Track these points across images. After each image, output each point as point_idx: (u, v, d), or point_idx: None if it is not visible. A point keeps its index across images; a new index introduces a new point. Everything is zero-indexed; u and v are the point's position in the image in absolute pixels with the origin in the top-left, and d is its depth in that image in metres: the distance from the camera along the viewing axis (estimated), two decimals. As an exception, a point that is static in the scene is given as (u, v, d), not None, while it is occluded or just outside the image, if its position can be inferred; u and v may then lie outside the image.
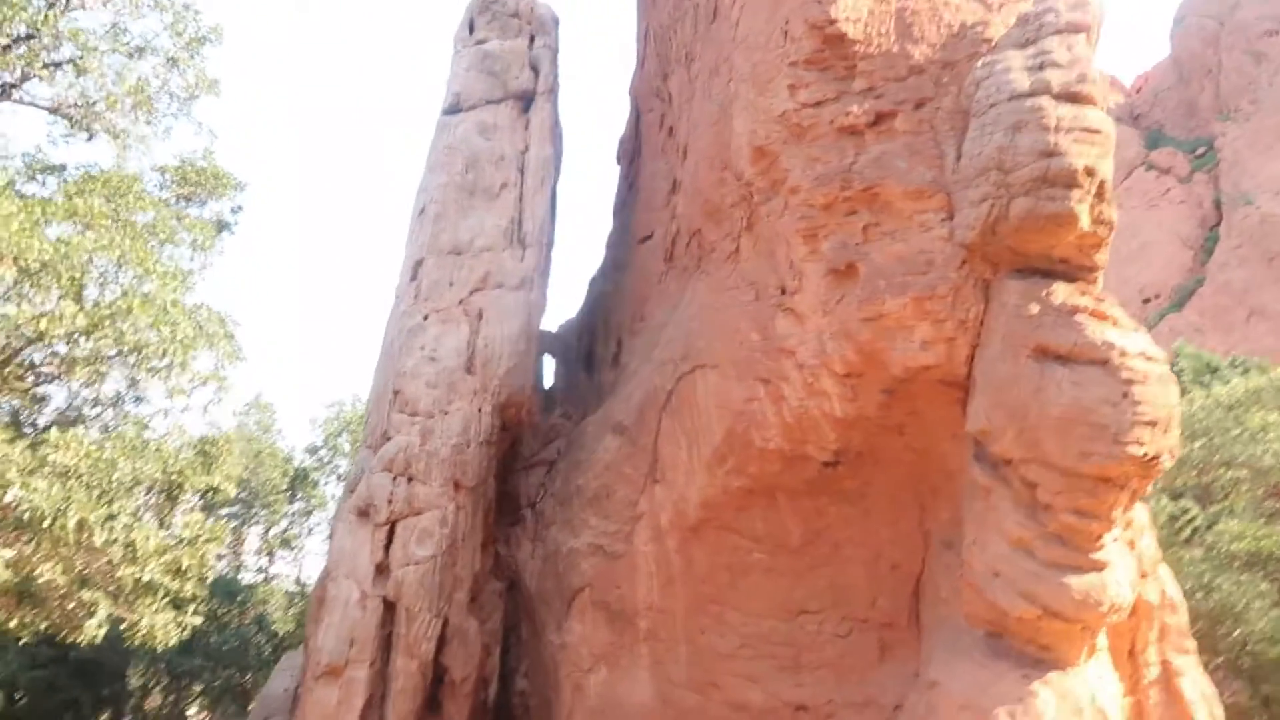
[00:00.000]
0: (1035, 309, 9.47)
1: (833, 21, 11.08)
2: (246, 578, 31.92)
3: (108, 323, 10.11)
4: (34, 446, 9.69)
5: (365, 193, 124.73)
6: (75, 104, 13.39)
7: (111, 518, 9.69)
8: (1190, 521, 21.41)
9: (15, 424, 12.27)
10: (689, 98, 15.85)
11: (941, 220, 10.39)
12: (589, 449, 15.37)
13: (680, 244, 15.44)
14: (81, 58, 13.07)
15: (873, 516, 12.33)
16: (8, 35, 12.32)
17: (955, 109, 10.69)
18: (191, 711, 30.27)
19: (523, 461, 17.02)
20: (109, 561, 10.01)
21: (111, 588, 10.38)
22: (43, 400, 12.83)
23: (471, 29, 20.69)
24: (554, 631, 14.72)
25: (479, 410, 15.78)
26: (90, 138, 13.86)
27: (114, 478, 9.85)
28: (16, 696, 23.06)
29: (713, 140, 13.63)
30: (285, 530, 33.37)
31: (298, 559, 34.02)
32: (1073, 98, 9.69)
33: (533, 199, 18.39)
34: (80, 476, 9.56)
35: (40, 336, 10.00)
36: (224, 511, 28.85)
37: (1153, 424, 8.71)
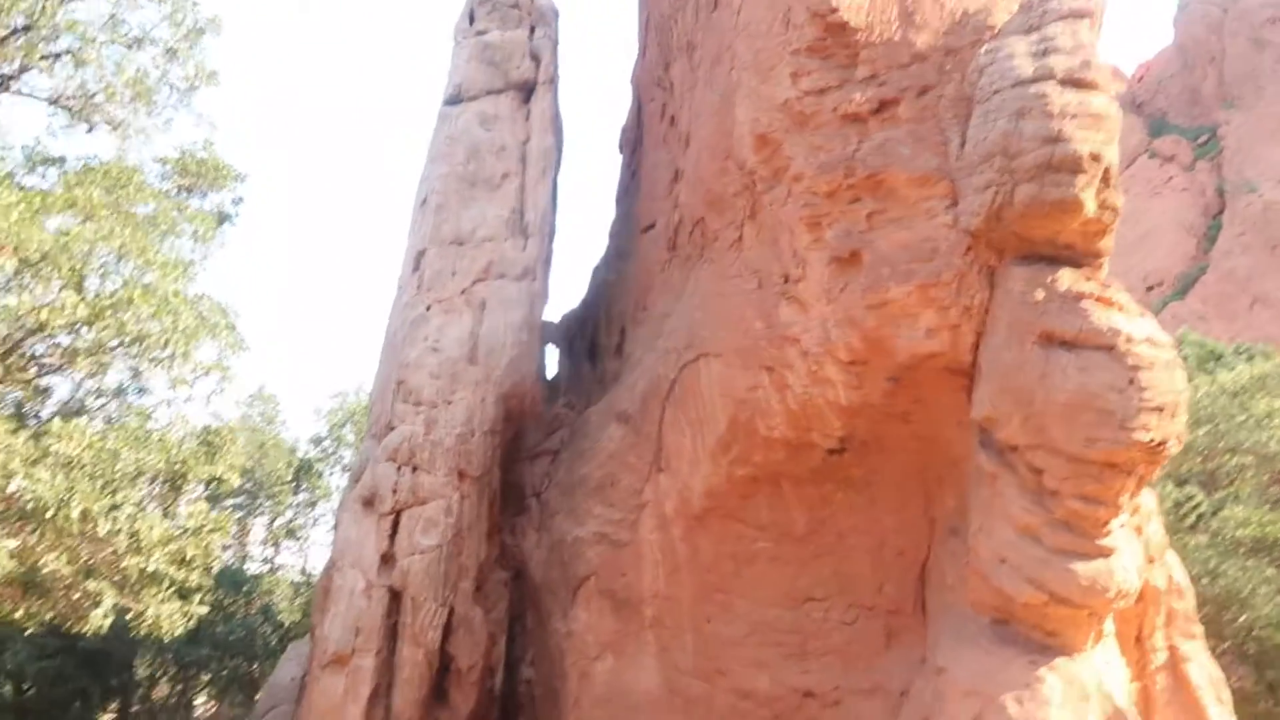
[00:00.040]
0: (1040, 295, 9.44)
1: (835, 9, 11.02)
2: (252, 568, 32.01)
3: (109, 313, 10.11)
4: (37, 437, 9.70)
5: (367, 184, 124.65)
6: (74, 95, 13.35)
7: (115, 508, 9.71)
8: (1195, 508, 21.43)
9: (19, 416, 12.28)
10: (691, 86, 15.79)
11: (946, 207, 10.34)
12: (593, 438, 15.38)
13: (683, 233, 15.40)
14: (80, 49, 13.03)
15: (878, 504, 12.33)
16: (5, 26, 12.29)
17: (959, 96, 10.63)
18: (199, 701, 30.42)
19: (527, 451, 17.03)
20: (114, 552, 10.03)
21: (116, 578, 10.41)
22: (46, 392, 12.84)
23: (472, 20, 20.62)
24: (560, 620, 14.76)
25: (482, 400, 15.79)
26: (90, 129, 13.83)
27: (117, 468, 9.86)
28: (25, 687, 23.18)
29: (715, 129, 13.58)
30: (290, 521, 33.44)
31: (303, 549, 34.12)
32: (1077, 83, 9.63)
33: (534, 189, 18.36)
34: (83, 467, 9.57)
35: (42, 327, 10.00)
36: (229, 502, 28.90)
37: (1159, 409, 8.69)
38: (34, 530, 9.42)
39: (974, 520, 10.07)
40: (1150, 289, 52.51)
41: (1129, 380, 8.72)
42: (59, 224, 10.58)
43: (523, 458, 17.09)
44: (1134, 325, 9.08)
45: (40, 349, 11.05)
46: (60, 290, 10.01)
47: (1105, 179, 9.39)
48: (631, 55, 21.00)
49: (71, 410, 12.72)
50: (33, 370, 11.35)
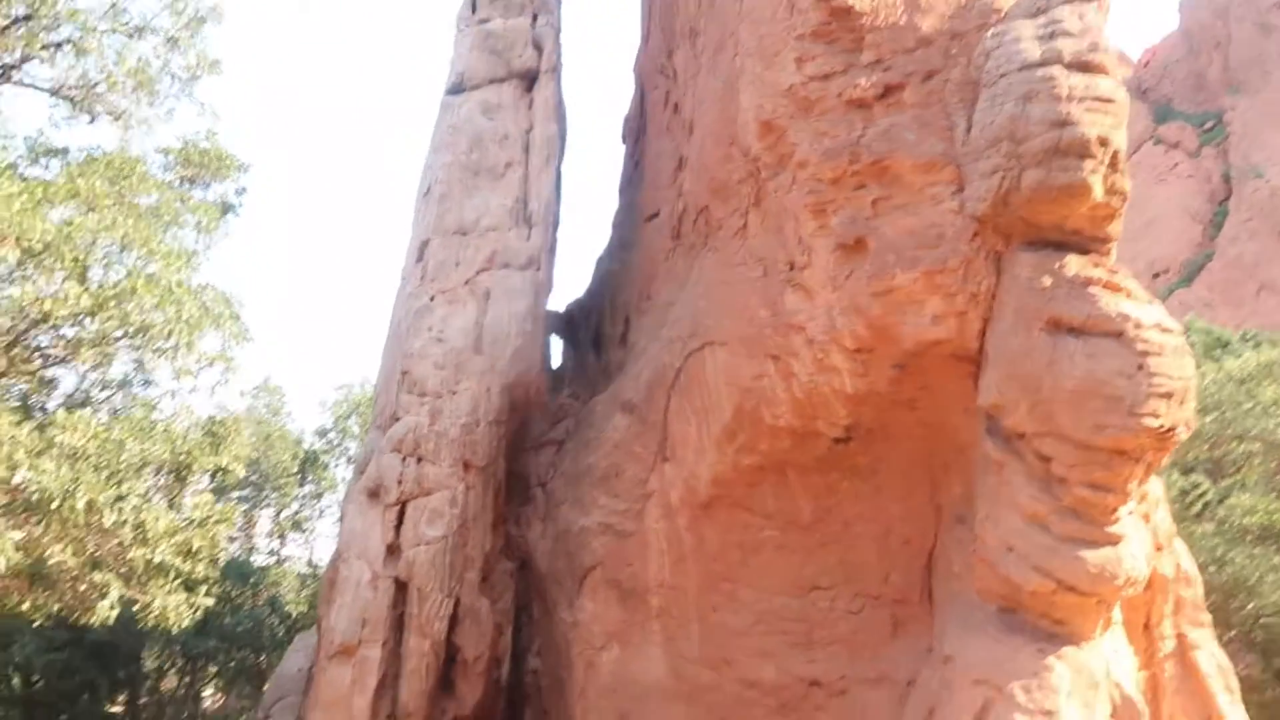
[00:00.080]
0: (1048, 281, 9.37)
1: (840, -7, 10.93)
2: (258, 560, 32.10)
3: (112, 303, 10.09)
4: (41, 428, 9.70)
5: (370, 176, 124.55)
6: (76, 85, 13.31)
7: (121, 499, 9.71)
8: (1201, 496, 21.39)
9: (25, 408, 12.28)
10: (694, 74, 15.71)
11: (952, 193, 10.26)
12: (598, 428, 15.36)
13: (687, 221, 15.34)
14: (81, 38, 12.98)
15: (884, 492, 12.29)
16: (6, 16, 12.25)
17: (965, 80, 10.54)
18: (207, 693, 30.55)
19: (532, 441, 17.01)
20: (120, 543, 10.03)
21: (123, 569, 10.42)
22: (51, 383, 12.84)
23: (474, 8, 20.53)
24: (566, 610, 14.75)
25: (487, 390, 15.76)
26: (92, 120, 13.79)
27: (122, 459, 9.85)
28: (34, 680, 23.29)
29: (719, 116, 13.50)
30: (296, 513, 33.51)
31: (309, 541, 34.20)
32: (1085, 67, 9.55)
33: (538, 178, 18.29)
34: (88, 458, 9.56)
35: (45, 318, 9.98)
36: (235, 494, 28.97)
37: (1168, 396, 8.63)
38: (39, 522, 9.42)
39: (981, 508, 10.02)
40: (1156, 276, 52.33)
41: (1138, 366, 8.67)
42: (62, 214, 10.56)
43: (528, 448, 17.07)
44: (1142, 311, 9.02)
45: (44, 341, 11.05)
46: (64, 281, 9.99)
47: (1113, 163, 9.32)
48: (634, 43, 20.91)
49: (76, 402, 12.72)
50: (37, 362, 11.35)
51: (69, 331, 10.85)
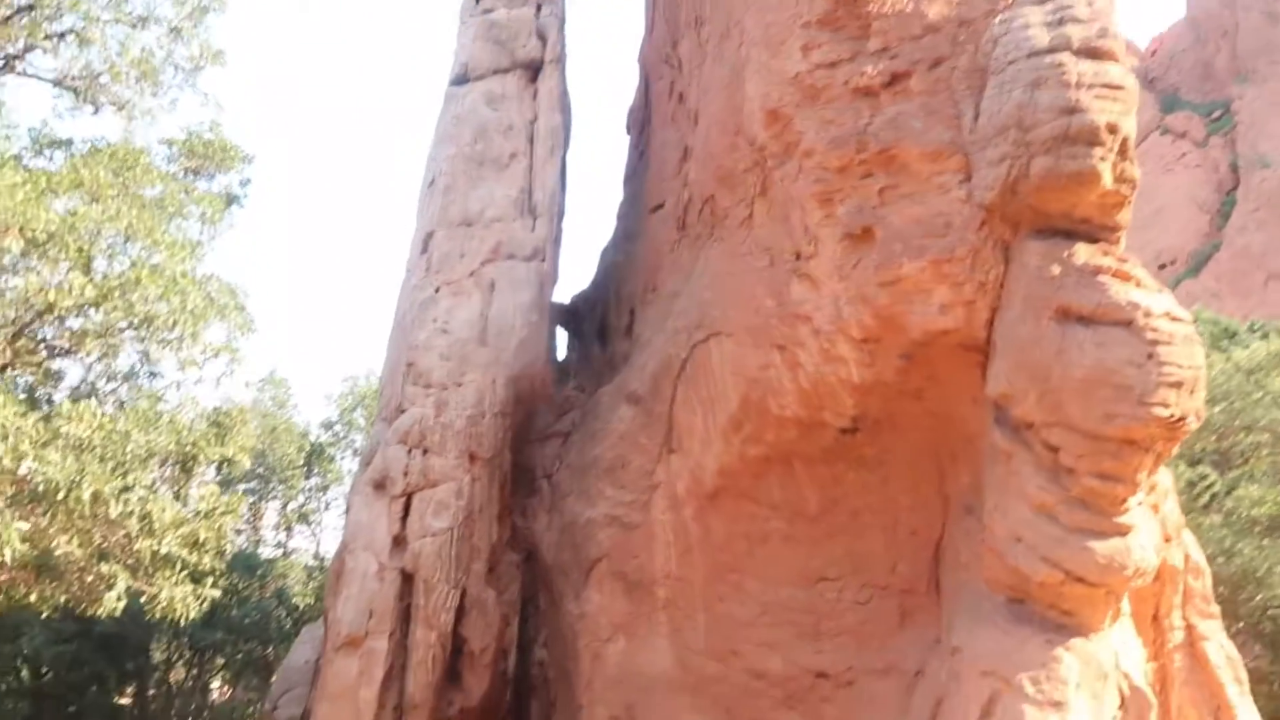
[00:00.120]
0: (1057, 270, 9.30)
1: (845, -20, 10.86)
2: (265, 552, 32.18)
3: (117, 294, 10.07)
4: (46, 419, 9.69)
5: (373, 167, 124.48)
6: (79, 76, 13.28)
7: (127, 489, 9.70)
8: (1209, 487, 21.33)
9: (31, 400, 12.29)
10: (699, 63, 15.63)
11: (959, 181, 10.20)
12: (604, 419, 15.33)
13: (693, 212, 15.28)
14: (84, 28, 12.94)
15: (891, 483, 12.24)
16: (9, 5, 12.21)
17: (972, 68, 10.46)
18: (215, 684, 30.65)
19: (537, 433, 16.99)
20: (126, 535, 10.04)
21: (130, 561, 10.42)
22: (57, 375, 12.84)
23: (478, -2, 20.45)
24: (572, 602, 14.75)
25: (493, 382, 15.73)
26: (96, 111, 13.77)
27: (128, 450, 9.84)
28: (42, 671, 23.37)
29: (724, 105, 13.44)
30: (302, 505, 33.58)
31: (315, 534, 34.28)
32: (1093, 53, 9.47)
33: (543, 169, 18.23)
34: (94, 449, 9.56)
35: (50, 309, 9.97)
36: (241, 487, 29.01)
37: (1178, 385, 8.57)
38: (45, 512, 9.42)
39: (989, 498, 9.98)
40: (1163, 267, 52.11)
41: (1147, 355, 8.60)
42: (65, 205, 10.55)
43: (533, 440, 17.05)
44: (1153, 300, 8.95)
45: (49, 333, 11.04)
46: (68, 272, 9.98)
47: (1123, 150, 9.24)
48: (638, 34, 20.81)
49: (83, 394, 12.72)
50: (42, 354, 11.34)
51: (74, 323, 10.86)
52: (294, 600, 29.53)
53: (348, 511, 15.93)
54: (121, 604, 10.50)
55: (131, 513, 9.77)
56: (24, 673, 23.56)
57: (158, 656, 27.68)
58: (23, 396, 12.12)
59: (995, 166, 9.63)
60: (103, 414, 9.88)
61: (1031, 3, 10.11)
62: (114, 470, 9.73)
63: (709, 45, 14.93)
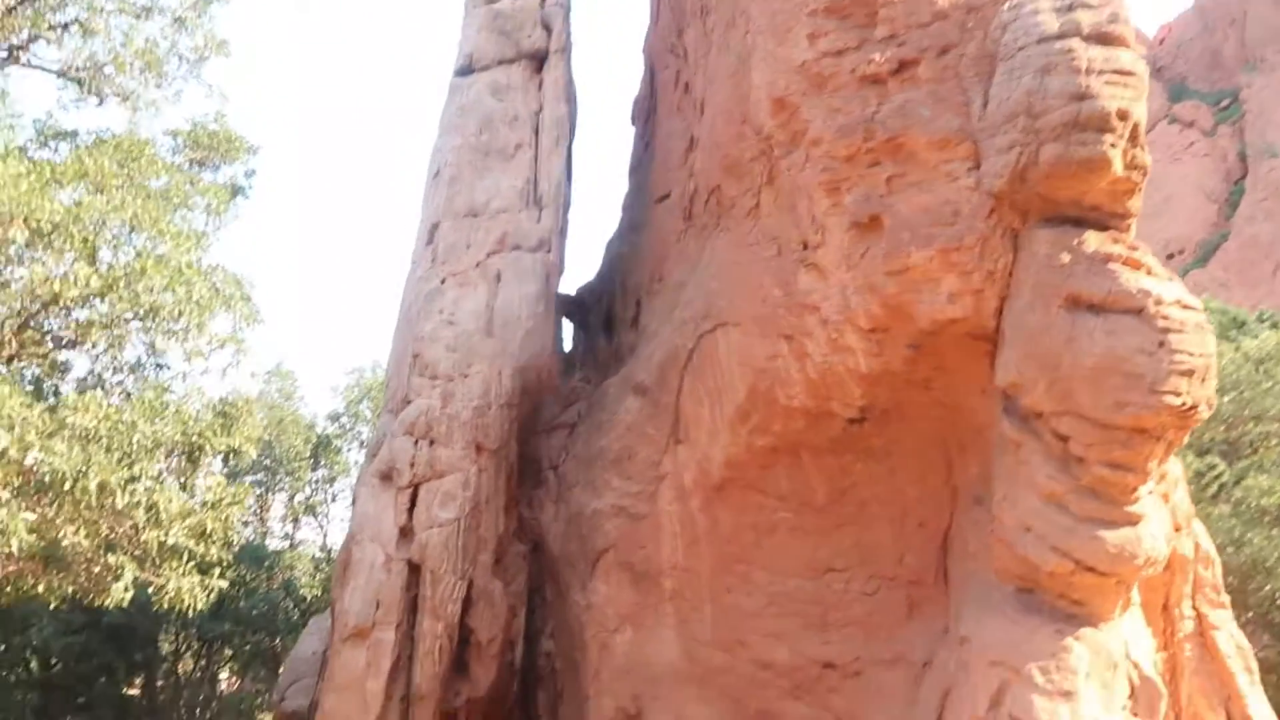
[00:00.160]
0: (1066, 258, 9.23)
1: (853, -33, 10.78)
2: (273, 544, 32.27)
3: (122, 284, 10.06)
4: (52, 410, 9.69)
5: (378, 159, 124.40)
6: (83, 67, 13.25)
7: (133, 480, 9.70)
8: (1217, 477, 21.28)
9: (38, 392, 12.29)
10: (705, 52, 15.55)
11: (968, 169, 10.11)
12: (610, 410, 15.30)
13: (699, 202, 15.22)
14: (88, 18, 12.91)
15: (899, 473, 12.20)
16: (13, -4, 12.20)
17: (981, 54, 10.36)
18: (223, 675, 30.77)
19: (543, 425, 16.97)
20: (133, 525, 10.05)
21: (137, 551, 10.43)
22: (64, 367, 12.84)
23: (483, -12, 20.36)
24: (579, 593, 14.74)
25: (499, 373, 15.71)
26: (101, 102, 13.74)
27: (134, 440, 9.84)
28: (52, 663, 23.47)
29: (730, 93, 13.36)
30: (309, 497, 33.63)
31: (322, 525, 34.35)
32: (1104, 39, 9.38)
33: (548, 159, 18.18)
34: (100, 439, 9.55)
35: (55, 299, 9.96)
36: (248, 479, 29.08)
37: (1190, 373, 8.50)
38: (52, 503, 9.42)
39: (998, 488, 9.92)
40: (1171, 257, 51.92)
41: (1159, 343, 8.53)
42: (70, 196, 10.53)
43: (539, 431, 17.03)
44: (1164, 288, 8.88)
45: (55, 323, 11.04)
46: (73, 262, 9.96)
47: (1133, 137, 9.16)
48: (643, 23, 20.72)
49: (89, 386, 12.72)
50: (48, 345, 11.34)
51: (80, 314, 10.85)
52: (301, 592, 29.61)
53: (354, 503, 15.94)
54: (129, 595, 10.52)
55: (138, 503, 9.77)
56: (33, 664, 23.66)
57: (166, 648, 27.79)
58: (29, 389, 12.13)
59: (1004, 154, 9.55)
60: (109, 405, 9.87)
61: (1041, -12, 10.01)
62: (120, 461, 9.72)
63: (715, 34, 14.84)
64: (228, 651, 28.64)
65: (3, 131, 11.64)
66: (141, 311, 10.53)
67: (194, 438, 10.80)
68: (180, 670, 28.72)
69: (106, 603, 10.65)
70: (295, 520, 34.02)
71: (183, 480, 11.41)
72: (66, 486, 9.04)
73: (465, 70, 19.42)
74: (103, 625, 22.25)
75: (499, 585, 15.12)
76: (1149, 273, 9.04)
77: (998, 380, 9.85)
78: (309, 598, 29.31)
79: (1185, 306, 8.82)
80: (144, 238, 10.86)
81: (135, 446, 9.86)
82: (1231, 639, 10.82)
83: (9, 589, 10.59)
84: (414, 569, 14.60)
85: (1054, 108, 9.10)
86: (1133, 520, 8.98)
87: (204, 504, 11.02)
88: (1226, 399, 21.13)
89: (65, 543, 9.75)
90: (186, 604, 10.94)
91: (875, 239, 10.55)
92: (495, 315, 16.41)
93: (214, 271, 11.65)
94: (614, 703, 13.98)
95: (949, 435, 11.68)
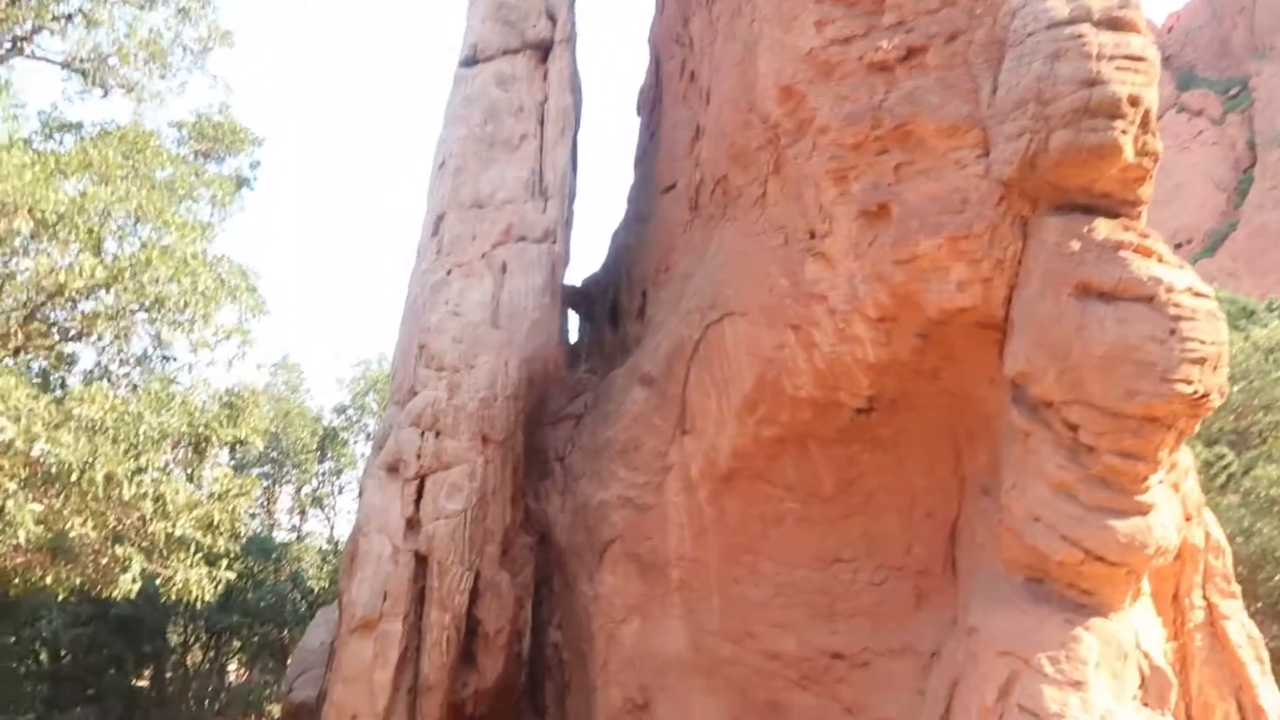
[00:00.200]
0: (1076, 246, 9.15)
1: (860, -47, 10.69)
2: (280, 536, 32.35)
3: (127, 275, 10.04)
4: (58, 401, 9.69)
5: (383, 151, 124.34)
6: (88, 58, 13.21)
7: (140, 471, 9.70)
8: (1226, 468, 21.20)
9: (45, 384, 12.30)
10: (711, 40, 15.47)
11: (977, 157, 10.03)
12: (617, 401, 15.27)
13: (705, 192, 15.16)
14: (91, 9, 12.87)
15: (907, 463, 12.15)
16: (17, -13, 12.16)
17: (990, 41, 10.27)
18: (231, 667, 30.88)
19: (550, 416, 16.95)
20: (140, 517, 10.05)
21: (144, 543, 10.44)
22: (70, 359, 12.84)
23: (487, -22, 20.26)
24: (586, 583, 14.74)
25: (505, 364, 15.68)
26: (105, 94, 13.71)
27: (140, 431, 9.83)
28: (61, 654, 23.57)
29: (737, 81, 13.28)
30: (316, 490, 33.71)
31: (329, 518, 34.44)
32: (1114, 24, 9.29)
33: (553, 150, 18.12)
34: (106, 430, 9.55)
35: (60, 291, 9.95)
36: (255, 471, 29.14)
37: (1201, 361, 8.43)
38: (59, 494, 9.43)
39: (1007, 478, 9.87)
40: (1179, 246, 51.68)
41: (1170, 331, 8.46)
42: (75, 187, 10.51)
43: (546, 422, 17.02)
44: (1175, 275, 8.80)
45: (61, 315, 11.03)
46: (78, 253, 9.94)
47: (1144, 123, 9.07)
48: (649, 13, 20.62)
49: (95, 378, 12.72)
50: (54, 336, 11.34)
51: (85, 306, 10.84)
52: (309, 583, 29.70)
53: (361, 495, 15.95)
54: (137, 586, 10.52)
55: (145, 494, 9.77)
56: (43, 656, 23.77)
57: (175, 639, 27.89)
58: (36, 381, 12.13)
59: (1014, 141, 9.47)
60: (115, 396, 9.87)
61: (1050, -27, 9.90)
62: (127, 452, 9.72)
63: (720, 22, 14.76)
64: (236, 643, 28.75)
65: (7, 122, 11.63)
66: (147, 303, 10.52)
67: (200, 429, 10.79)
68: (189, 662, 28.84)
69: (114, 594, 10.66)
70: (302, 513, 34.12)
71: (189, 472, 11.41)
72: (73, 478, 9.04)
73: (470, 61, 19.34)
74: (111, 617, 22.33)
75: (506, 576, 15.12)
76: (1160, 260, 8.97)
77: (1007, 369, 9.79)
78: (316, 590, 29.40)
79: (1197, 294, 8.74)
80: (149, 229, 10.84)
81: (141, 438, 9.85)
82: (1242, 629, 10.77)
83: (17, 581, 10.62)
84: (421, 560, 14.60)
85: (1064, 94, 9.01)
86: (1143, 509, 8.92)
87: (211, 496, 11.02)
88: (1235, 388, 21.02)
89: (73, 534, 9.76)
90: (194, 595, 10.95)
91: (883, 227, 10.49)
92: (501, 307, 16.38)
93: (219, 262, 11.62)
94: (621, 693, 13.98)
95: (957, 425, 11.63)
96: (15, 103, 12.62)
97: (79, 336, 11.44)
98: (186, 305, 10.58)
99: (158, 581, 11.04)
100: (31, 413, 9.00)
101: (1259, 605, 17.62)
